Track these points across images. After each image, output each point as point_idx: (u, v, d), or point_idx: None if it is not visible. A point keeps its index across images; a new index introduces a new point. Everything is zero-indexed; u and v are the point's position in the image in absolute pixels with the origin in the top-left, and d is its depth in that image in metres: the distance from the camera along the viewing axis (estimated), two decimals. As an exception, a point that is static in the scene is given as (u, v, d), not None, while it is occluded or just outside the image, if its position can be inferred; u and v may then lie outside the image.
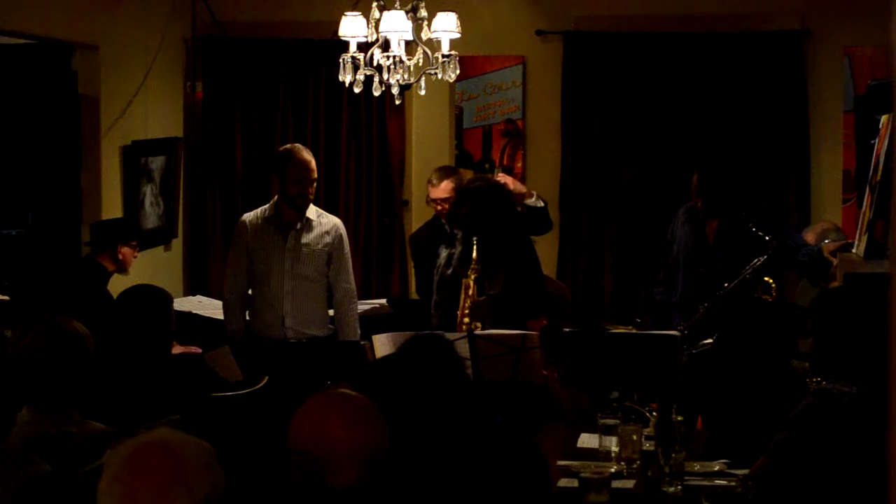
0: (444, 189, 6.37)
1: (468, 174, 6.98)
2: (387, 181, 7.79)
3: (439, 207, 6.43)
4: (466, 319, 5.51)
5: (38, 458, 3.30)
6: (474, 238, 5.57)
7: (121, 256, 6.08)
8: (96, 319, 4.87)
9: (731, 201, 5.82)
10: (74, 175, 6.84)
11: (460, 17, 5.42)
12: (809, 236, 6.18)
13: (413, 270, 6.97)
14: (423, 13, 5.35)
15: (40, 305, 5.71)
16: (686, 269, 5.93)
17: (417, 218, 7.46)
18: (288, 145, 6.17)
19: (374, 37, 5.31)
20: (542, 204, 6.06)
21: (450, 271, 5.72)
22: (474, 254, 5.54)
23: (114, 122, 6.91)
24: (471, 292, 5.54)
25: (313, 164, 5.98)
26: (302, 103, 7.76)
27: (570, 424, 5.13)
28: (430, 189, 6.47)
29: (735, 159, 6.83)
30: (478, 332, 5.29)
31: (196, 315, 6.57)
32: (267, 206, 6.10)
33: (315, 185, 6.03)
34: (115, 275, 6.13)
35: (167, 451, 2.35)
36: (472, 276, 5.54)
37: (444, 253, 5.85)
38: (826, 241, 5.90)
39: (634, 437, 4.27)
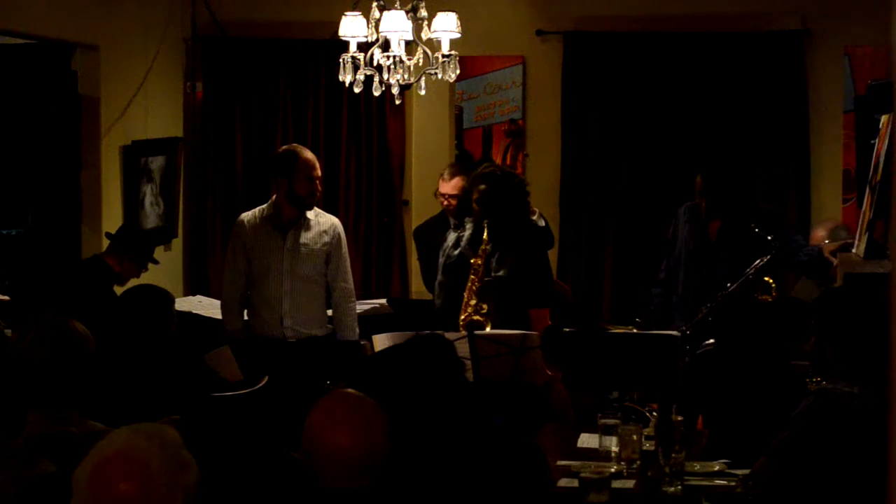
0: (453, 185, 6.41)
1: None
2: (387, 181, 7.78)
3: (445, 202, 6.46)
4: (473, 301, 5.54)
5: (43, 457, 3.29)
6: (485, 221, 5.61)
7: (124, 266, 6.02)
8: (99, 318, 4.87)
9: (735, 201, 5.82)
10: (74, 175, 6.84)
11: (460, 17, 5.42)
12: (820, 232, 6.19)
13: (412, 270, 6.98)
14: (423, 13, 5.35)
15: (40, 305, 5.70)
16: (688, 270, 5.92)
17: (417, 218, 7.45)
18: (289, 146, 6.16)
19: (374, 37, 5.31)
20: (543, 223, 5.96)
21: (456, 252, 5.78)
22: (485, 235, 5.58)
23: (114, 122, 6.91)
24: (480, 273, 5.60)
25: (317, 161, 6.02)
26: (302, 103, 7.76)
27: (570, 424, 5.13)
28: (440, 182, 6.51)
29: (738, 159, 6.83)
30: (478, 332, 5.30)
31: (196, 315, 6.56)
32: (265, 205, 6.09)
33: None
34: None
35: (130, 466, 2.27)
36: (482, 257, 5.60)
37: (451, 236, 5.90)
38: (836, 238, 5.90)
39: (634, 437, 4.27)
